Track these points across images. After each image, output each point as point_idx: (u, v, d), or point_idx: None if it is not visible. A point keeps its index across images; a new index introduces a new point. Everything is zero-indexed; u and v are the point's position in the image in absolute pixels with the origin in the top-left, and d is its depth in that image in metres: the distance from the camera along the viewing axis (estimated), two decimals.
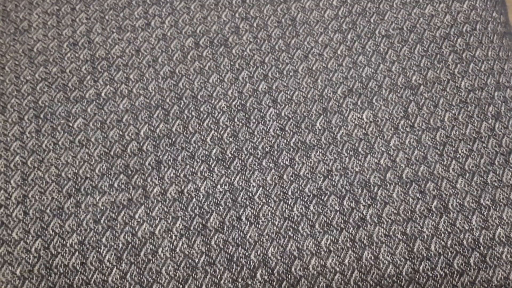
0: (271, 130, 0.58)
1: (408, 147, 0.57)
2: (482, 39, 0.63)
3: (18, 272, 0.52)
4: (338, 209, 0.54)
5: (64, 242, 0.53)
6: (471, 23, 0.64)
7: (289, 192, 0.55)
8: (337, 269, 0.52)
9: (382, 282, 0.51)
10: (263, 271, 0.52)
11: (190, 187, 0.55)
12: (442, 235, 0.53)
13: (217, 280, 0.51)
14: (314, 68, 0.62)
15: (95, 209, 0.55)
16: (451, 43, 0.63)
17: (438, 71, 0.61)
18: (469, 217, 0.53)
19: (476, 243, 0.52)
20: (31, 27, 0.66)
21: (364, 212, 0.54)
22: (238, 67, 0.62)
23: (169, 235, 0.53)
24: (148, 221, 0.54)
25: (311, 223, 0.54)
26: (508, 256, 0.52)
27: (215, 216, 0.54)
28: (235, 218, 0.54)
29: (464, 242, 0.52)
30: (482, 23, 0.64)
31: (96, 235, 0.53)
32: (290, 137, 0.58)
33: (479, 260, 0.52)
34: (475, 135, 0.57)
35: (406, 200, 0.54)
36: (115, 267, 0.52)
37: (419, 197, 0.54)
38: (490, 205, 0.54)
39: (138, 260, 0.52)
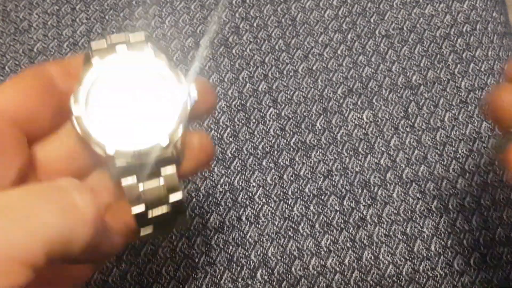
0: (271, 130, 0.58)
1: (408, 147, 0.57)
2: (482, 39, 0.63)
3: None
4: (338, 209, 0.54)
5: None
6: (471, 23, 0.64)
7: (289, 192, 0.55)
8: (337, 269, 0.52)
9: (382, 282, 0.51)
10: (263, 271, 0.52)
11: (190, 187, 0.55)
12: (442, 235, 0.53)
13: (217, 280, 0.51)
14: (314, 68, 0.62)
15: None
16: (451, 43, 0.63)
17: (438, 71, 0.61)
18: (469, 217, 0.53)
19: (476, 243, 0.52)
20: (31, 27, 0.66)
21: (364, 212, 0.54)
22: (238, 67, 0.62)
23: (169, 235, 0.53)
24: None
25: (311, 223, 0.53)
26: (508, 256, 0.52)
27: (215, 216, 0.54)
28: (235, 218, 0.54)
29: (464, 242, 0.52)
30: (482, 23, 0.64)
31: None
32: (290, 137, 0.58)
33: (479, 260, 0.52)
34: (475, 135, 0.57)
35: (406, 200, 0.54)
36: (115, 267, 0.52)
37: (419, 197, 0.54)
38: (490, 205, 0.54)
39: (138, 260, 0.52)
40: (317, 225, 0.53)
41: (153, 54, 0.36)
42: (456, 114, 0.59)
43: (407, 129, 0.58)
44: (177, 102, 0.35)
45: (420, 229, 0.53)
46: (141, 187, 0.34)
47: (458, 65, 0.62)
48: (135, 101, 0.35)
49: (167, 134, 0.35)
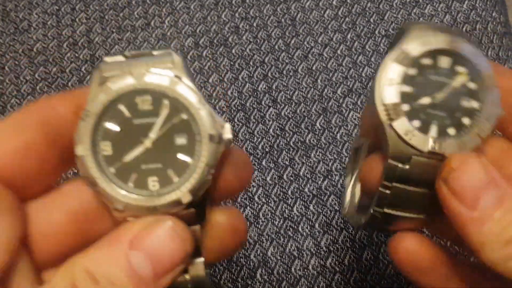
0: (271, 130, 0.58)
1: None
2: (482, 39, 0.63)
3: None
4: (338, 209, 0.54)
5: None
6: (471, 23, 0.64)
7: (289, 192, 0.55)
8: (337, 269, 0.52)
9: (382, 282, 0.51)
10: (263, 271, 0.52)
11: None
12: None
13: (216, 280, 0.51)
14: (314, 68, 0.62)
15: None
16: None
17: None
18: None
19: None
20: (31, 27, 0.65)
21: None
22: (238, 67, 0.62)
23: None
24: None
25: (311, 223, 0.53)
26: None
27: None
28: None
29: None
30: (482, 23, 0.64)
31: None
32: (289, 137, 0.58)
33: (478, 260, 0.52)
34: None
35: None
36: None
37: None
38: None
39: None
40: (316, 225, 0.53)
41: (178, 81, 0.28)
42: None
43: None
44: (206, 145, 0.28)
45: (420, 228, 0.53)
46: None
47: None
48: (153, 140, 0.28)
49: (191, 187, 0.28)
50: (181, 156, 0.28)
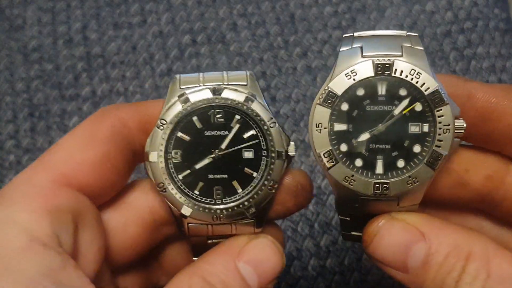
0: None
1: None
2: (484, 36, 0.63)
3: None
4: None
5: None
6: (473, 20, 0.64)
7: None
8: (337, 269, 0.51)
9: (382, 283, 0.51)
10: None
11: None
12: None
13: None
14: (313, 65, 0.61)
15: None
16: (452, 40, 0.62)
17: (439, 69, 0.60)
18: None
19: None
20: (26, 24, 0.65)
21: None
22: (236, 65, 0.61)
23: None
24: None
25: (310, 223, 0.53)
26: None
27: None
28: None
29: None
30: (484, 20, 0.64)
31: None
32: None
33: None
34: None
35: None
36: None
37: None
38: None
39: None
40: (316, 225, 0.53)
41: (252, 98, 0.32)
42: None
43: None
44: (273, 161, 0.31)
45: None
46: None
47: (459, 63, 0.61)
48: (222, 152, 0.32)
49: (255, 199, 0.31)
50: (247, 170, 0.31)
